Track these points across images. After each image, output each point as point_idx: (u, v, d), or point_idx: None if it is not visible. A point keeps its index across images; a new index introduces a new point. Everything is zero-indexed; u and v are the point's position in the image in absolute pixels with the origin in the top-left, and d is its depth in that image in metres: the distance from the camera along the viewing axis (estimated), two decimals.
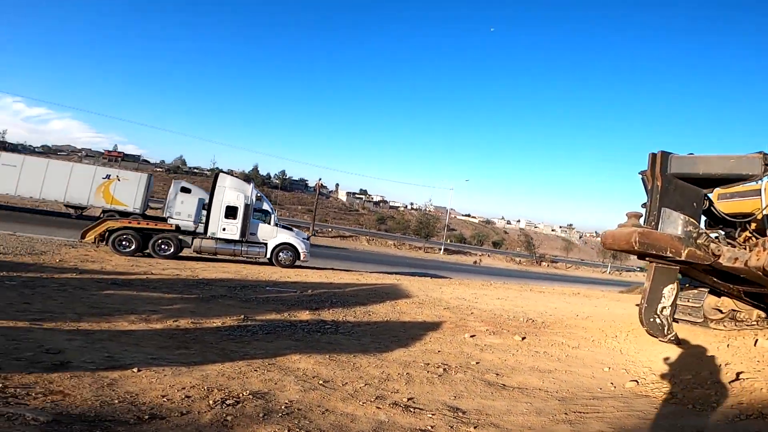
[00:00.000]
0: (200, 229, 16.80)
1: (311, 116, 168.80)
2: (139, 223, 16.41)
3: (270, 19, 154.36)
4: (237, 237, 17.07)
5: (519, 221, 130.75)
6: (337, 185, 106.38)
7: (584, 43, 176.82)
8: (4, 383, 3.34)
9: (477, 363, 7.28)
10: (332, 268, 20.70)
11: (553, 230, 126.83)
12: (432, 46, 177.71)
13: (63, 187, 23.23)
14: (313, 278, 15.95)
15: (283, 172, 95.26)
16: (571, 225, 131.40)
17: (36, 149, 75.72)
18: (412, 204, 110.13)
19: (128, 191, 24.62)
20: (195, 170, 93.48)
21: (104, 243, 15.66)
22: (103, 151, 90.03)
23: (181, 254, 16.83)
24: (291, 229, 19.14)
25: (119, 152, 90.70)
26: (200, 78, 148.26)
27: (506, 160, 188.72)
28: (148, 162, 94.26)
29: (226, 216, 16.87)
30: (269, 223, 17.94)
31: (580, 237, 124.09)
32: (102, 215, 21.91)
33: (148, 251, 16.00)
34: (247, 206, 17.08)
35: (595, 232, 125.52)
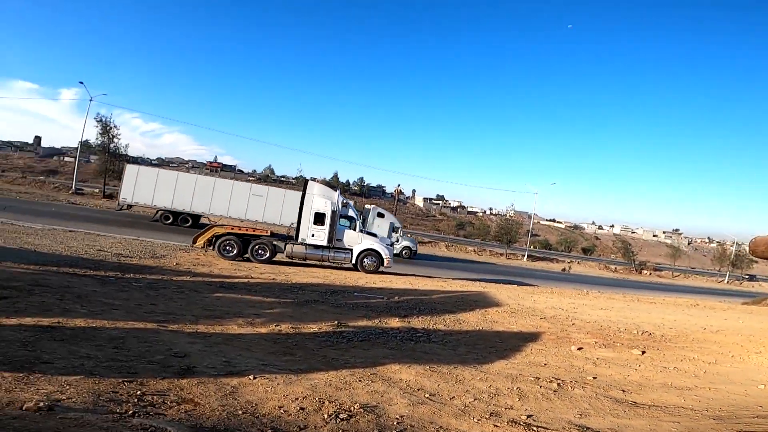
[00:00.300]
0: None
1: (389, 122, 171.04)
2: (240, 230, 17.60)
3: (346, 26, 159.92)
4: (324, 243, 17.59)
5: (612, 226, 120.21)
6: (414, 191, 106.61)
7: (696, 37, 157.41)
8: (141, 390, 3.55)
9: (594, 378, 6.64)
10: (414, 275, 20.49)
11: (654, 236, 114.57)
12: (511, 45, 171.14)
13: (226, 203, 25.81)
14: (398, 284, 15.90)
15: (361, 179, 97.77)
16: (677, 230, 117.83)
17: (153, 161, 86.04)
18: (491, 209, 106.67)
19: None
20: (282, 178, 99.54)
21: (211, 248, 17.02)
22: (206, 162, 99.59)
23: (275, 259, 17.75)
24: (375, 235, 19.31)
25: (219, 163, 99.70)
26: (286, 89, 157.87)
27: (597, 162, 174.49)
28: (242, 171, 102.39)
29: (315, 222, 17.45)
30: (354, 230, 18.26)
31: (689, 243, 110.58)
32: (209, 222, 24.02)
33: (247, 256, 17.07)
34: (333, 213, 17.54)
35: (708, 238, 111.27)
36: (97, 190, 36.46)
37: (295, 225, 18.00)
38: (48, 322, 5.52)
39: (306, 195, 17.60)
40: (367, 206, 28.82)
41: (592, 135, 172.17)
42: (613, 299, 18.16)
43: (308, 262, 18.26)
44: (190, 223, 25.39)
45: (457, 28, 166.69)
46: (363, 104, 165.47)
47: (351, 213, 18.46)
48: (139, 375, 3.97)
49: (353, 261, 18.12)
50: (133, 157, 38.54)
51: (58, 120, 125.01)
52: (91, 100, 35.68)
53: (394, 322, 9.60)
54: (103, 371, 3.84)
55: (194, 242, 17.24)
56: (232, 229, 17.64)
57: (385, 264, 18.34)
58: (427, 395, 5.01)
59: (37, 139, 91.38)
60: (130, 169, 25.61)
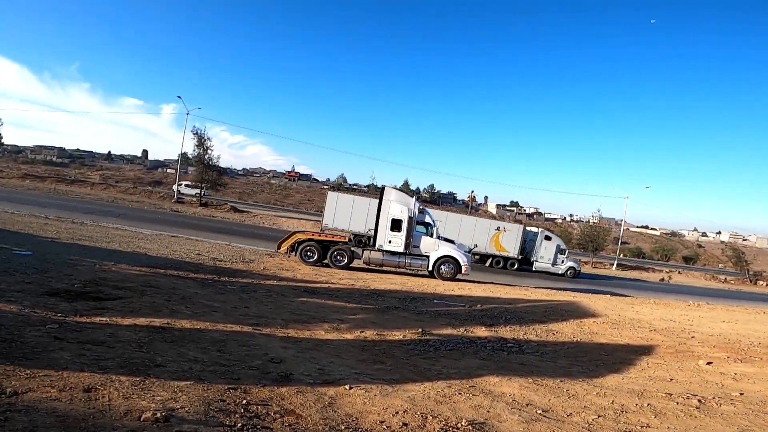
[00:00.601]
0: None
1: (461, 127, 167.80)
2: (320, 236, 18.05)
3: (419, 33, 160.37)
4: (401, 249, 17.42)
5: (719, 233, 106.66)
6: (486, 198, 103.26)
7: None
8: (246, 398, 3.51)
9: (741, 394, 5.80)
10: (492, 282, 19.64)
11: None
12: (595, 43, 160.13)
13: (470, 237, 26.48)
14: (478, 292, 15.27)
15: (431, 186, 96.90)
16: None
17: (239, 172, 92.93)
18: (571, 216, 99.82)
19: (510, 240, 27.76)
20: (354, 186, 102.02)
21: (294, 253, 17.64)
22: (285, 172, 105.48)
23: (352, 265, 17.93)
24: (452, 242, 18.74)
25: (296, 173, 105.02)
26: (358, 98, 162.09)
27: (698, 164, 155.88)
28: (317, 180, 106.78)
29: (392, 229, 17.34)
30: (431, 236, 17.87)
31: None
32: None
33: (326, 261, 17.42)
34: (410, 219, 17.31)
35: None
36: (195, 199, 40.01)
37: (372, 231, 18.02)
38: (159, 323, 5.85)
39: (383, 201, 17.58)
40: (533, 229, 30.28)
41: (694, 133, 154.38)
42: (732, 311, 15.85)
43: (384, 268, 18.21)
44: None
45: (535, 30, 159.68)
46: (434, 110, 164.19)
47: (428, 219, 18.10)
48: (242, 381, 3.95)
49: (430, 268, 17.72)
50: (223, 168, 41.62)
51: (161, 134, 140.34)
52: (188, 114, 39.42)
53: (481, 331, 9.18)
54: (209, 376, 3.87)
55: (278, 248, 17.98)
56: (313, 235, 18.12)
57: (463, 271, 17.71)
58: (539, 411, 4.52)
59: (145, 152, 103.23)
60: (330, 197, 26.60)
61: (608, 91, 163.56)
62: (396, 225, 17.32)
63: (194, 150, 38.57)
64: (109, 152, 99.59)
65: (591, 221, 52.96)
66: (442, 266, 17.64)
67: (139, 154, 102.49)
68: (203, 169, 38.62)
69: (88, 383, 3.03)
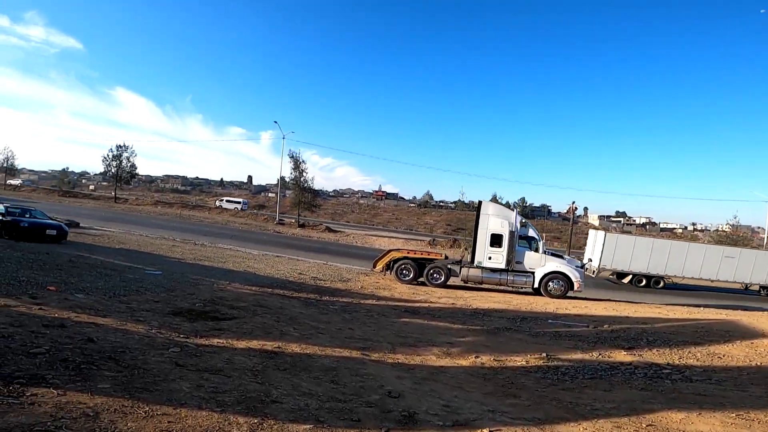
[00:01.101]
0: None
1: (552, 137, 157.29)
2: (415, 254, 17.51)
3: (505, 46, 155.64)
4: (502, 266, 16.17)
5: None
6: (586, 209, 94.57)
7: None
8: None
9: None
10: (609, 299, 17.27)
11: None
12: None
13: (697, 266, 25.23)
14: (598, 311, 13.39)
15: (522, 200, 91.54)
16: None
17: (330, 194, 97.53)
18: (694, 224, 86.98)
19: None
20: (441, 203, 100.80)
21: (389, 271, 17.31)
22: (372, 192, 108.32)
23: (446, 282, 17.05)
24: (561, 257, 16.91)
25: (383, 192, 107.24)
26: (442, 113, 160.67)
27: None
28: (403, 198, 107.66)
29: (491, 244, 16.21)
30: (536, 251, 16.31)
31: None
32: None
33: (422, 279, 16.78)
34: (511, 233, 16.01)
35: None
36: (293, 220, 42.48)
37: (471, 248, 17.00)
38: (271, 347, 5.65)
39: (480, 216, 16.54)
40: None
41: None
42: None
43: (483, 286, 17.03)
44: (643, 283, 24.92)
45: (638, 28, 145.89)
46: (524, 119, 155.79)
47: (531, 233, 16.59)
48: (363, 424, 3.41)
49: (535, 285, 16.14)
50: (316, 190, 43.68)
51: (262, 160, 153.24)
52: (284, 138, 42.22)
53: (621, 356, 7.78)
54: (327, 417, 3.38)
55: (374, 266, 17.79)
56: (408, 253, 17.64)
57: (575, 288, 15.85)
58: None
59: (250, 178, 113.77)
60: (609, 238, 25.28)
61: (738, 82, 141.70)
62: (496, 240, 16.15)
63: (291, 173, 41.07)
64: (221, 179, 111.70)
65: (723, 229, 45.24)
66: (550, 283, 15.97)
67: (245, 180, 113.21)
68: (299, 191, 40.84)
69: (206, 426, 2.68)
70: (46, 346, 3.84)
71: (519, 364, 6.90)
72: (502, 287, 16.85)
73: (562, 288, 15.88)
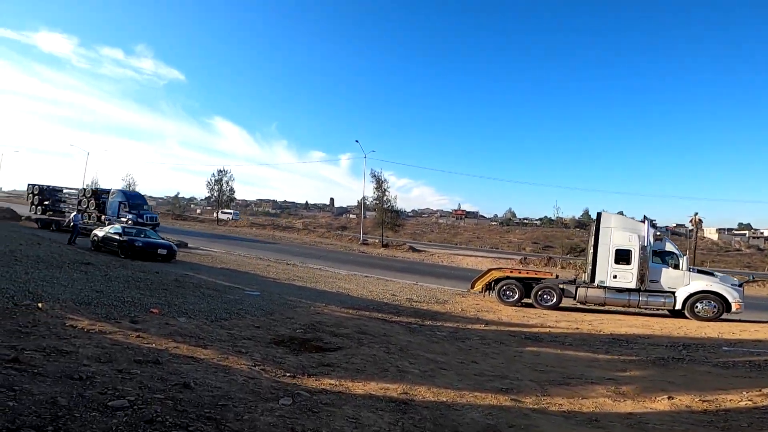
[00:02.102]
0: None
1: (658, 144, 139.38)
2: (520, 273, 15.48)
3: (588, 57, 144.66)
4: (632, 285, 13.55)
5: None
6: (700, 221, 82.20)
7: None
8: None
9: None
10: None
11: None
12: None
13: None
14: None
15: (620, 213, 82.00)
16: None
17: (408, 214, 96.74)
18: None
19: None
20: (524, 221, 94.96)
21: (489, 292, 15.46)
22: (451, 211, 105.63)
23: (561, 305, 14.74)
24: (712, 274, 13.73)
25: (463, 210, 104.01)
26: (519, 128, 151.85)
27: None
28: (484, 217, 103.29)
29: (617, 261, 13.72)
30: (676, 267, 13.41)
31: None
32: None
33: (529, 301, 14.68)
34: (642, 248, 13.39)
35: None
36: (377, 240, 42.02)
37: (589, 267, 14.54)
38: (396, 392, 4.39)
39: (600, 230, 14.14)
40: None
41: None
42: None
43: (600, 308, 14.49)
44: None
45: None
46: (618, 126, 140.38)
47: (669, 247, 13.77)
48: None
49: (678, 306, 13.26)
50: (397, 210, 42.87)
51: (342, 182, 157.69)
52: (365, 158, 42.19)
53: None
54: None
55: (472, 287, 16.05)
56: (511, 272, 15.66)
57: (734, 309, 12.81)
58: None
59: (332, 200, 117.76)
60: None
61: None
62: (622, 256, 13.64)
63: (374, 192, 40.81)
64: (306, 202, 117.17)
65: None
66: (698, 304, 13.05)
67: (328, 202, 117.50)
68: (382, 210, 40.34)
69: None
70: (131, 395, 2.96)
71: (742, 404, 4.92)
72: (631, 309, 14.17)
73: (714, 309, 12.91)
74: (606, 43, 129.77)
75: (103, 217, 27.93)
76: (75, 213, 23.54)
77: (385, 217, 40.44)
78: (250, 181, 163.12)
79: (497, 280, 15.32)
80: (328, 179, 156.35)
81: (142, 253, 14.81)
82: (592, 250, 14.52)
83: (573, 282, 14.79)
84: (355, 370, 5.24)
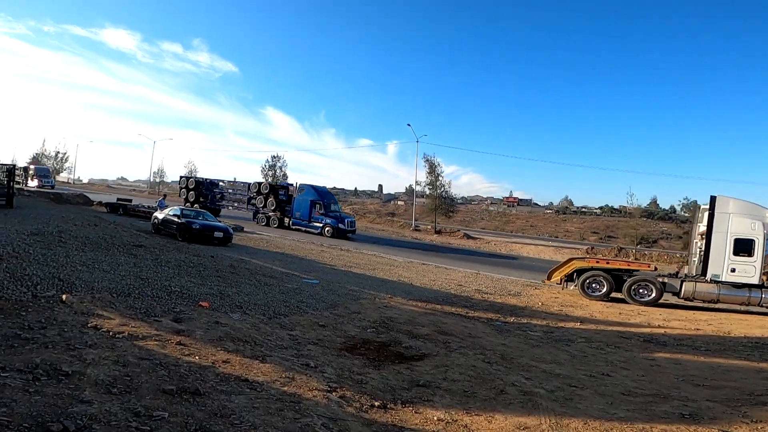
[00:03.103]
0: None
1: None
2: (608, 263, 13.29)
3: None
4: (754, 280, 11.08)
5: None
6: None
7: None
8: None
9: None
10: None
11: None
12: None
13: None
14: None
15: (685, 199, 71.95)
16: None
17: (459, 201, 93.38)
18: None
19: None
20: (583, 209, 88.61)
21: (569, 284, 13.44)
22: (502, 199, 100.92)
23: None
24: None
25: (515, 198, 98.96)
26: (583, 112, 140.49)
27: None
28: (538, 205, 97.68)
29: (736, 252, 11.31)
30: None
31: None
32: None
33: (620, 295, 12.55)
34: None
35: None
36: (429, 227, 40.26)
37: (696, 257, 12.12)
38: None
39: (716, 216, 11.69)
40: None
41: None
42: None
43: (701, 304, 12.14)
44: None
45: None
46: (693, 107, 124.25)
47: None
48: None
49: None
50: (452, 196, 40.61)
51: (389, 169, 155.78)
52: (417, 142, 40.08)
53: None
54: None
55: (549, 278, 14.09)
56: (598, 262, 13.50)
57: None
58: None
59: (380, 186, 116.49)
60: None
61: None
62: (743, 247, 11.21)
63: (426, 177, 38.82)
64: (355, 188, 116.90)
65: None
66: None
67: (376, 189, 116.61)
68: (437, 195, 38.40)
69: None
70: None
71: None
72: (750, 307, 11.78)
73: None
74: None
75: (286, 219, 24.86)
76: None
77: (439, 202, 38.45)
78: (301, 168, 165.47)
79: (579, 271, 13.29)
80: (375, 166, 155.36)
81: (199, 236, 14.26)
82: (700, 240, 12.14)
83: (675, 275, 12.43)
84: (462, 392, 3.81)
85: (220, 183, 29.59)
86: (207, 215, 16.61)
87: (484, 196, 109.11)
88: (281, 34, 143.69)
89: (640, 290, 12.49)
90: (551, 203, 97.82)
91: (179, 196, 30.08)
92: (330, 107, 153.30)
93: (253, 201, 25.62)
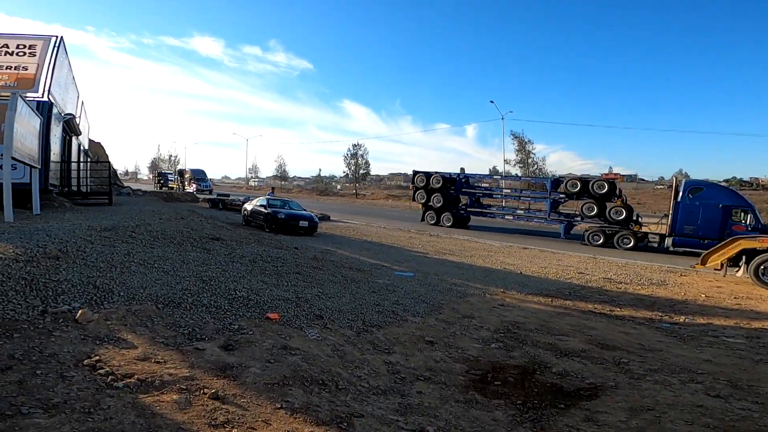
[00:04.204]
0: None
1: None
2: None
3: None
4: None
5: None
6: None
7: None
8: None
9: None
10: None
11: None
12: None
13: None
14: None
15: None
16: None
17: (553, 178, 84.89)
18: None
19: None
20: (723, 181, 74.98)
21: (734, 269, 10.18)
22: (600, 175, 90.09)
23: None
24: None
25: (616, 173, 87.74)
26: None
27: None
28: (645, 180, 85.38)
29: None
30: None
31: None
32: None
33: None
34: None
35: None
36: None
37: None
38: None
39: None
40: None
41: None
42: None
43: None
44: None
45: None
46: None
47: None
48: None
49: None
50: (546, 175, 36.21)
51: (469, 152, 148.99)
52: (502, 119, 36.30)
53: None
54: None
55: (704, 262, 10.83)
56: None
57: None
58: None
59: (462, 170, 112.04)
60: None
61: None
62: None
63: (516, 155, 35.14)
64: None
65: None
66: None
67: (458, 172, 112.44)
68: (528, 172, 34.63)
69: None
70: None
71: None
72: None
73: None
74: None
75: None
76: None
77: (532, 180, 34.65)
78: (381, 157, 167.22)
79: (749, 253, 9.90)
80: (455, 150, 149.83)
81: (285, 226, 13.63)
82: None
83: None
84: None
85: (478, 177, 23.70)
86: (292, 204, 16.03)
87: (578, 175, 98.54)
88: (351, 28, 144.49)
89: None
90: (662, 178, 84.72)
91: (413, 200, 23.29)
92: (405, 94, 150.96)
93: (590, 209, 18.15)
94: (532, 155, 34.52)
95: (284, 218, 13.69)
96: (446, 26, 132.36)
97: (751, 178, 74.02)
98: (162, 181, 35.00)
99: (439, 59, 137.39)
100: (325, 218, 21.71)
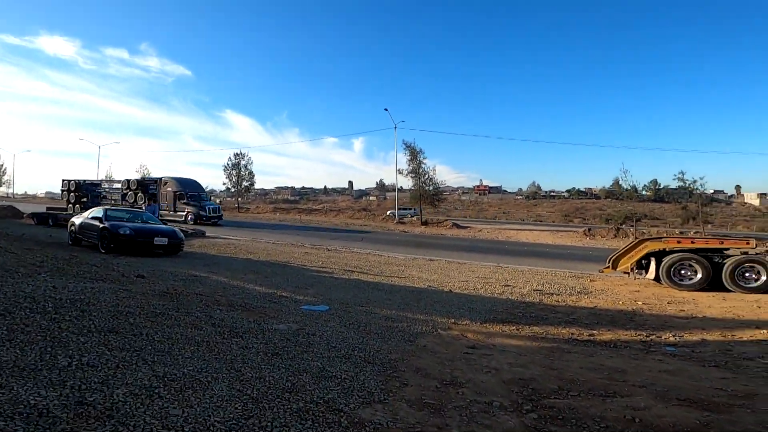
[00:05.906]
0: None
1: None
2: (693, 243, 9.87)
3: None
4: None
5: None
6: (738, 187, 73.12)
7: None
8: None
9: None
10: None
11: None
12: None
13: None
14: None
15: (654, 182, 71.55)
16: None
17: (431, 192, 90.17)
18: None
19: None
20: (552, 194, 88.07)
21: (641, 273, 10.09)
22: (473, 187, 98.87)
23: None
24: None
25: (485, 186, 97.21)
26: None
27: None
28: (507, 192, 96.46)
29: None
30: None
31: None
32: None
33: (725, 284, 9.17)
34: None
35: None
36: (414, 218, 36.41)
37: None
38: None
39: None
40: None
41: None
42: None
43: None
44: None
45: None
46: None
47: None
48: None
49: None
50: (436, 184, 36.59)
51: (357, 166, 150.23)
52: (395, 128, 36.01)
53: None
54: None
55: (613, 266, 10.58)
56: (679, 242, 10.05)
57: None
58: None
59: (350, 183, 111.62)
60: None
61: None
62: None
63: (407, 165, 34.80)
64: (325, 186, 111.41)
65: None
66: None
67: (346, 186, 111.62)
68: (420, 183, 34.54)
69: None
70: None
71: None
72: None
73: None
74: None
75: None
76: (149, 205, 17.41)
77: (423, 191, 34.63)
78: (266, 171, 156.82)
79: (657, 255, 9.81)
80: (343, 164, 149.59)
81: (131, 245, 9.47)
82: None
83: None
84: None
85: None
86: (145, 215, 11.67)
87: (454, 186, 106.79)
88: (235, 35, 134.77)
89: (747, 274, 9.17)
90: (520, 189, 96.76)
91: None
92: (292, 107, 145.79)
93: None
94: (423, 164, 34.47)
95: (129, 234, 9.53)
96: (336, 38, 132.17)
97: (585, 188, 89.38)
98: (80, 198, 24.45)
99: (329, 70, 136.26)
100: (198, 234, 17.43)
